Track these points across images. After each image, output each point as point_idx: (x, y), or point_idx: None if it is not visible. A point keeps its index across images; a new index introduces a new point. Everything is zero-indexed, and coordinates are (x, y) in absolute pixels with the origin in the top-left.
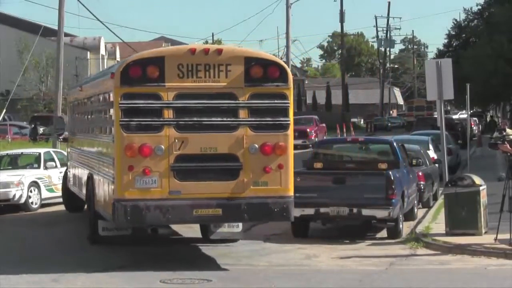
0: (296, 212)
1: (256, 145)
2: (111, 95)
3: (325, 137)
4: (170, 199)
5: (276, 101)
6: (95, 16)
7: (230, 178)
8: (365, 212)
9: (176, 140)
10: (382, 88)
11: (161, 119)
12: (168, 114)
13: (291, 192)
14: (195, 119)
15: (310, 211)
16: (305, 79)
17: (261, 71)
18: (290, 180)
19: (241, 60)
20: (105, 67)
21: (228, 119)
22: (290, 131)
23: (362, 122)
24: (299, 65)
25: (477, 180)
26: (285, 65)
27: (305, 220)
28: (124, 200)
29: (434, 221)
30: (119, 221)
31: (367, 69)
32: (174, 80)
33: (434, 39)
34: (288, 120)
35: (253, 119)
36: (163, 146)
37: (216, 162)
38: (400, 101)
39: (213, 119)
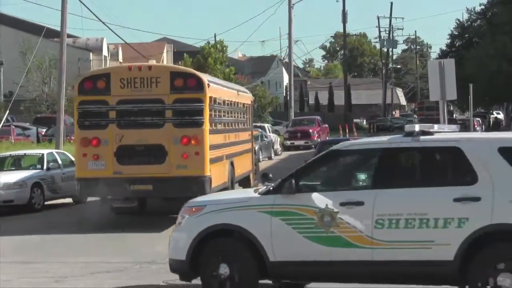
0: None
1: (178, 138)
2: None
3: (327, 138)
4: (114, 178)
5: (193, 104)
6: (97, 17)
7: (159, 162)
8: None
9: (117, 135)
10: (384, 89)
11: (107, 119)
12: (112, 115)
13: (206, 173)
14: (132, 118)
15: None
16: (307, 80)
17: (182, 82)
18: (205, 164)
19: (167, 73)
20: (108, 66)
21: (157, 118)
22: (205, 127)
23: (364, 122)
24: (301, 66)
25: None
26: (202, 76)
27: None
28: (81, 179)
29: None
30: (80, 194)
31: (369, 70)
32: (117, 89)
33: (437, 39)
34: (203, 119)
35: (175, 118)
36: (108, 139)
37: (147, 151)
38: (403, 101)
39: (145, 118)
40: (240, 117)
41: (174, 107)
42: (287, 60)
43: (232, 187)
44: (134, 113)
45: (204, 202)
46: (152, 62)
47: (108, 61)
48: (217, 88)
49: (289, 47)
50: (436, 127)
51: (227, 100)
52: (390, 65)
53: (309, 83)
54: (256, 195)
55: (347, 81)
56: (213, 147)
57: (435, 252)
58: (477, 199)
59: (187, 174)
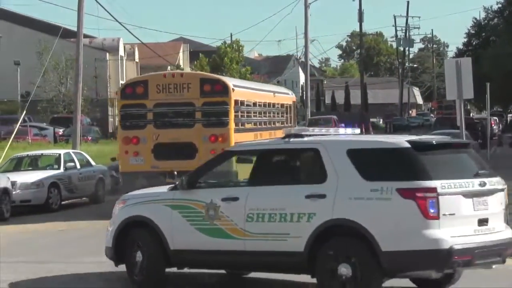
0: None
1: (206, 136)
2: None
3: None
4: (151, 171)
5: (219, 107)
6: (114, 18)
7: (190, 158)
8: None
9: (154, 134)
10: (401, 88)
11: (145, 120)
12: (149, 116)
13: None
14: (166, 119)
15: None
16: (323, 79)
17: (210, 87)
18: None
19: (197, 80)
20: (124, 68)
21: (188, 119)
22: (230, 126)
23: (381, 122)
24: (317, 65)
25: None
26: (227, 82)
27: None
28: (124, 173)
29: None
30: (124, 186)
31: (386, 69)
32: (153, 94)
33: (454, 38)
34: (228, 119)
35: (204, 119)
36: (146, 138)
37: (180, 148)
38: (420, 100)
39: (178, 119)
40: (277, 116)
41: (203, 109)
42: (303, 59)
43: None
44: (168, 114)
45: (127, 196)
46: (187, 69)
47: (124, 61)
48: (243, 92)
49: (305, 46)
50: (314, 130)
51: (258, 102)
52: (407, 64)
53: (325, 82)
54: (166, 190)
55: (364, 80)
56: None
57: (290, 243)
58: (323, 196)
59: None
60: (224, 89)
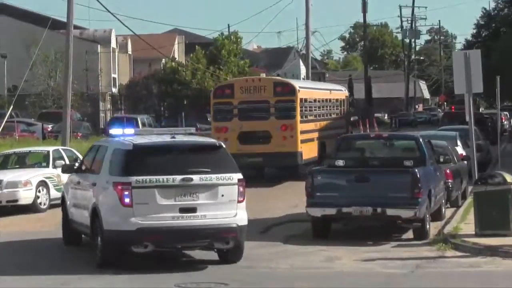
0: (317, 212)
1: (279, 126)
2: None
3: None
4: (237, 153)
5: (288, 104)
6: (105, 8)
7: (266, 143)
8: (390, 212)
9: (239, 125)
10: (407, 82)
11: (232, 114)
12: (235, 112)
13: (298, 149)
14: (248, 114)
15: (331, 211)
16: (325, 72)
17: (281, 88)
18: (298, 144)
19: (271, 83)
20: (116, 61)
21: (264, 113)
22: (297, 118)
23: (386, 117)
24: (319, 58)
25: (509, 177)
26: (295, 84)
27: (326, 220)
28: None
29: (463, 221)
30: None
31: (391, 62)
32: (238, 94)
33: (462, 29)
34: (295, 113)
35: (277, 113)
36: (233, 128)
37: (258, 135)
38: (426, 95)
39: (257, 113)
40: (333, 110)
41: (276, 105)
42: (304, 51)
43: (322, 162)
44: (249, 110)
45: None
46: (262, 75)
47: (116, 54)
48: (307, 91)
49: (307, 38)
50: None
51: (318, 99)
52: (413, 56)
53: (327, 75)
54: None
55: (368, 74)
56: (303, 132)
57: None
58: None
59: (286, 150)
60: (292, 90)
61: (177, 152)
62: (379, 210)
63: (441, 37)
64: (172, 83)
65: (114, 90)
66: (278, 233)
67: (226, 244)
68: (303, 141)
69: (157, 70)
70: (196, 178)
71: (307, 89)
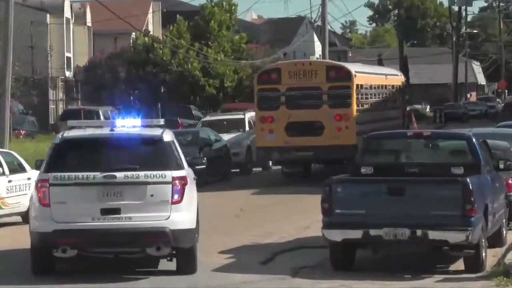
0: (337, 236)
1: (332, 116)
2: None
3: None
4: (284, 146)
5: (343, 90)
6: None
7: (318, 134)
8: (433, 235)
9: (287, 114)
10: (455, 63)
11: (279, 102)
12: (282, 99)
13: (354, 142)
14: (297, 101)
15: (356, 233)
16: (348, 50)
17: (335, 73)
18: (353, 135)
19: (323, 67)
20: (71, 35)
21: (316, 101)
22: (353, 107)
23: (428, 109)
24: (339, 31)
25: None
26: (350, 69)
27: (349, 246)
28: (260, 148)
29: None
30: (260, 159)
31: (434, 36)
32: (286, 80)
33: None
34: (351, 101)
35: (330, 101)
36: (279, 117)
37: (309, 126)
38: (481, 80)
39: (307, 101)
40: (389, 97)
41: (329, 92)
42: (319, 23)
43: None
44: (298, 97)
45: None
46: (313, 58)
47: (71, 26)
48: (363, 76)
49: (322, 5)
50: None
51: (374, 85)
52: (463, 29)
53: (350, 54)
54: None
55: (403, 52)
56: (359, 122)
57: None
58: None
59: (340, 143)
60: (348, 75)
61: (108, 146)
62: (418, 232)
63: (501, 4)
64: (145, 65)
65: (69, 74)
66: (284, 264)
67: (158, 251)
68: (359, 133)
69: (125, 48)
70: (120, 176)
71: (363, 73)
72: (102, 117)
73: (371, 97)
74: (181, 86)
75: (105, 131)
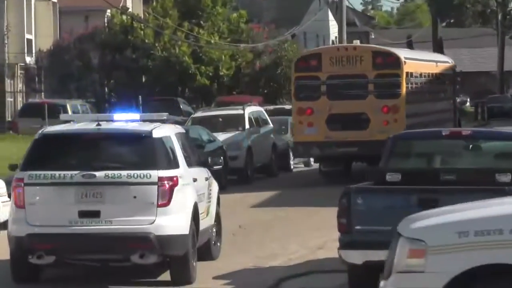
0: (357, 258)
1: (379, 107)
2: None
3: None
4: (325, 141)
5: (392, 79)
6: None
7: (362, 128)
8: None
9: (328, 105)
10: (501, 46)
11: (319, 92)
12: (323, 88)
13: None
14: (339, 91)
15: (379, 255)
16: (370, 31)
17: (382, 60)
18: (402, 129)
19: (369, 53)
20: (33, 13)
21: (361, 91)
22: (402, 98)
23: (468, 103)
24: (359, 8)
25: None
26: (400, 55)
27: (371, 270)
28: (298, 143)
29: None
30: (297, 155)
31: (475, 14)
32: (327, 67)
33: None
34: (400, 91)
35: (376, 90)
36: (320, 109)
37: (353, 119)
38: None
39: (351, 91)
40: (439, 87)
41: (376, 81)
42: None
43: None
44: (341, 86)
45: None
46: (356, 43)
47: (33, 2)
48: (413, 64)
49: None
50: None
51: (424, 73)
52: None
53: (372, 36)
54: None
55: (438, 33)
56: (409, 115)
57: None
58: None
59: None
60: (397, 62)
61: (92, 143)
62: None
63: None
64: (123, 49)
65: (29, 60)
66: None
67: (142, 258)
68: (409, 128)
69: (99, 28)
70: (100, 175)
71: (412, 60)
72: (70, 112)
73: (421, 87)
74: (167, 75)
75: (90, 126)
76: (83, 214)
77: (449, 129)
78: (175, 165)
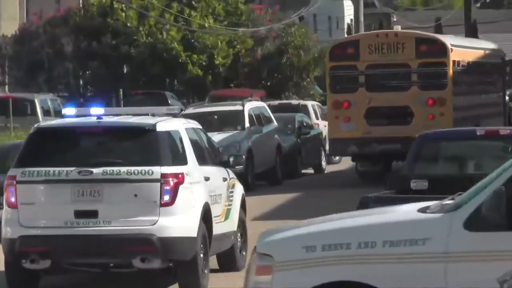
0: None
1: (423, 100)
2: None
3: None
4: (364, 137)
5: (437, 68)
6: None
7: (405, 123)
8: None
9: (367, 97)
10: None
11: (357, 83)
12: (361, 79)
13: None
14: (379, 82)
15: None
16: (391, 13)
17: (426, 47)
18: (450, 123)
19: (412, 39)
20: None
21: (403, 81)
22: (449, 89)
23: (507, 97)
24: None
25: None
26: (445, 41)
27: None
28: (334, 140)
29: None
30: (333, 153)
31: None
32: (365, 55)
33: None
34: (447, 81)
35: (420, 81)
36: (357, 102)
37: (394, 112)
38: None
39: (392, 82)
40: (488, 78)
41: (419, 70)
42: None
43: None
44: (381, 77)
45: None
46: (397, 28)
47: None
48: (460, 51)
49: None
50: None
51: (471, 62)
52: None
53: (394, 18)
54: None
55: (471, 16)
56: (457, 108)
57: None
58: None
59: None
60: (442, 49)
61: (90, 137)
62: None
63: None
64: (101, 34)
65: None
66: None
67: (143, 263)
68: (456, 122)
69: (73, 10)
70: (97, 172)
71: (460, 47)
72: (38, 108)
73: (468, 77)
74: (153, 65)
75: (90, 119)
76: (80, 214)
77: (484, 128)
78: (182, 161)
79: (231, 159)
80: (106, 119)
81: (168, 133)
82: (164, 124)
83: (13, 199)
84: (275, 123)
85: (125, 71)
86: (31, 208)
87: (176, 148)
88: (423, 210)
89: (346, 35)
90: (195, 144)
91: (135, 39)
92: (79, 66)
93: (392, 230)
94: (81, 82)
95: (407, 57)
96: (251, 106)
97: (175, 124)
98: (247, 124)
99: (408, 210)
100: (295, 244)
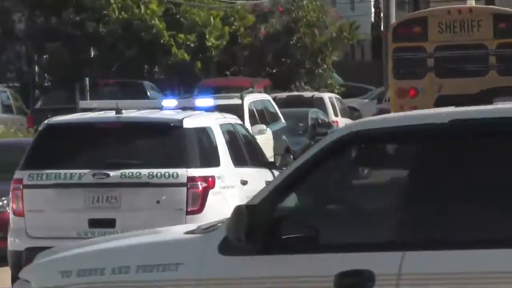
0: None
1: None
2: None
3: None
4: None
5: None
6: None
7: None
8: None
9: (437, 84)
10: None
11: (425, 67)
12: (430, 63)
13: None
14: (452, 66)
15: None
16: None
17: (507, 24)
18: None
19: (489, 16)
20: None
21: (480, 65)
22: None
23: None
24: None
25: None
26: None
27: None
28: None
29: None
30: None
31: None
32: (435, 35)
33: None
34: None
35: (500, 65)
36: (426, 89)
37: (470, 102)
38: None
39: (466, 66)
40: None
41: (498, 52)
42: None
43: None
44: (454, 60)
45: None
46: (471, 3)
47: None
48: None
49: None
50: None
51: None
52: None
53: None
54: None
55: None
56: None
57: None
58: None
59: None
60: None
61: (107, 135)
62: None
63: None
64: (62, 9)
65: None
66: None
67: None
68: None
69: None
70: (115, 175)
71: None
72: None
73: None
74: (128, 47)
75: (108, 114)
76: (95, 223)
77: None
78: (213, 163)
79: (278, 159)
80: (127, 114)
81: (197, 130)
82: (192, 120)
83: (19, 206)
84: (283, 121)
85: (92, 55)
86: (39, 216)
87: (206, 147)
88: (191, 231)
89: (373, 9)
90: (231, 142)
91: (105, 14)
92: (34, 49)
93: (147, 254)
94: (36, 69)
95: (483, 36)
96: (252, 99)
97: (206, 120)
98: (247, 122)
99: (176, 231)
100: (52, 268)
